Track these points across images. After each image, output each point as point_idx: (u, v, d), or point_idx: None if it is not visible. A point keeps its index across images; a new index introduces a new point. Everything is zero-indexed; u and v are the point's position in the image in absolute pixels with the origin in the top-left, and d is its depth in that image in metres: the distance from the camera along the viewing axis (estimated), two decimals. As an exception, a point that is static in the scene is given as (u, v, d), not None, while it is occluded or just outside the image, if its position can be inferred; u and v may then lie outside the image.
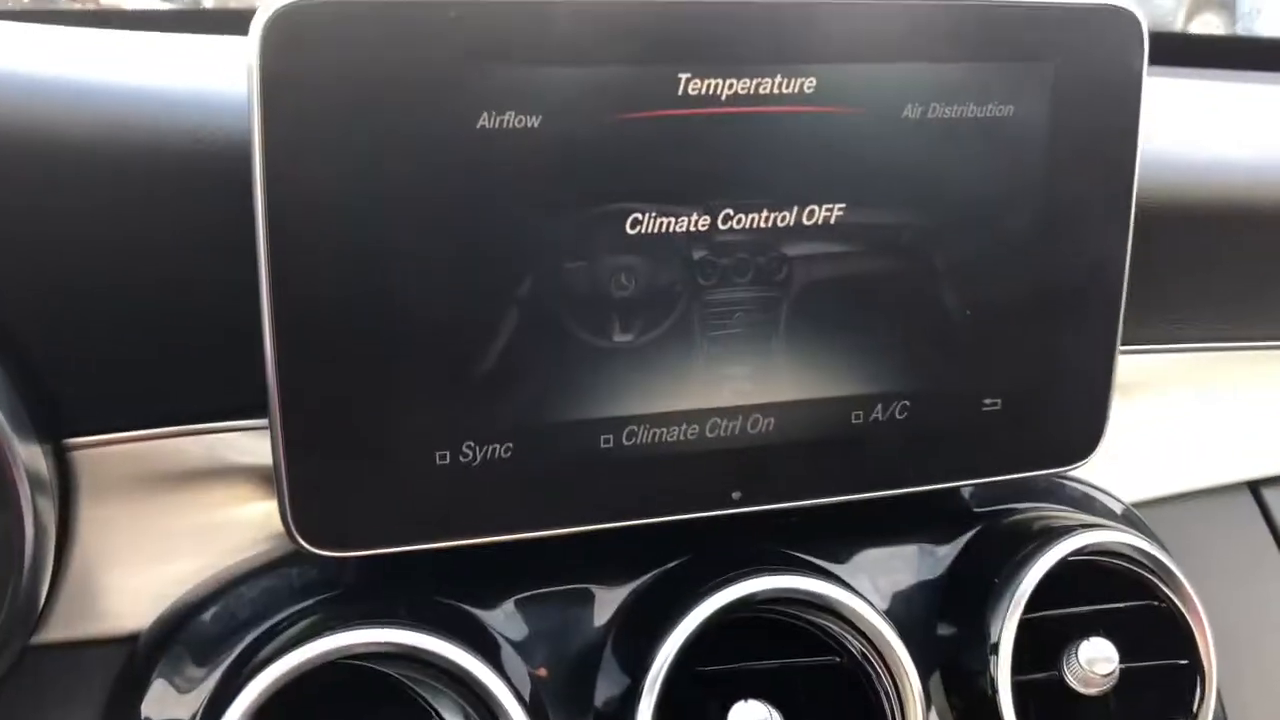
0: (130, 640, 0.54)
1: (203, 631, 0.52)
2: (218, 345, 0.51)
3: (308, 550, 0.48)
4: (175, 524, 0.55)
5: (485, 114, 0.46)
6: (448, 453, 0.49)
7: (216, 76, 0.52)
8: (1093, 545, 0.57)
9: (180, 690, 0.51)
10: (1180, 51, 1.05)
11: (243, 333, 0.46)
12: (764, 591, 0.52)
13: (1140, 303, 0.68)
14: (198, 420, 0.53)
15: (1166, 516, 0.71)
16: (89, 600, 0.54)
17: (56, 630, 0.53)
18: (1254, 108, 0.80)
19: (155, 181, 0.49)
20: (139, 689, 0.52)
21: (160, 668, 0.52)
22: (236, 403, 0.53)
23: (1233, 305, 0.70)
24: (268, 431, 0.47)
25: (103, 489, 0.53)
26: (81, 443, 0.52)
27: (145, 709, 0.51)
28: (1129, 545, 0.58)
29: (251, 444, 0.53)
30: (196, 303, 0.51)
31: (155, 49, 0.55)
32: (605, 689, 0.53)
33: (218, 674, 0.51)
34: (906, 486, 0.56)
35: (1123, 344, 0.68)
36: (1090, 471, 0.66)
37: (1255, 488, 0.74)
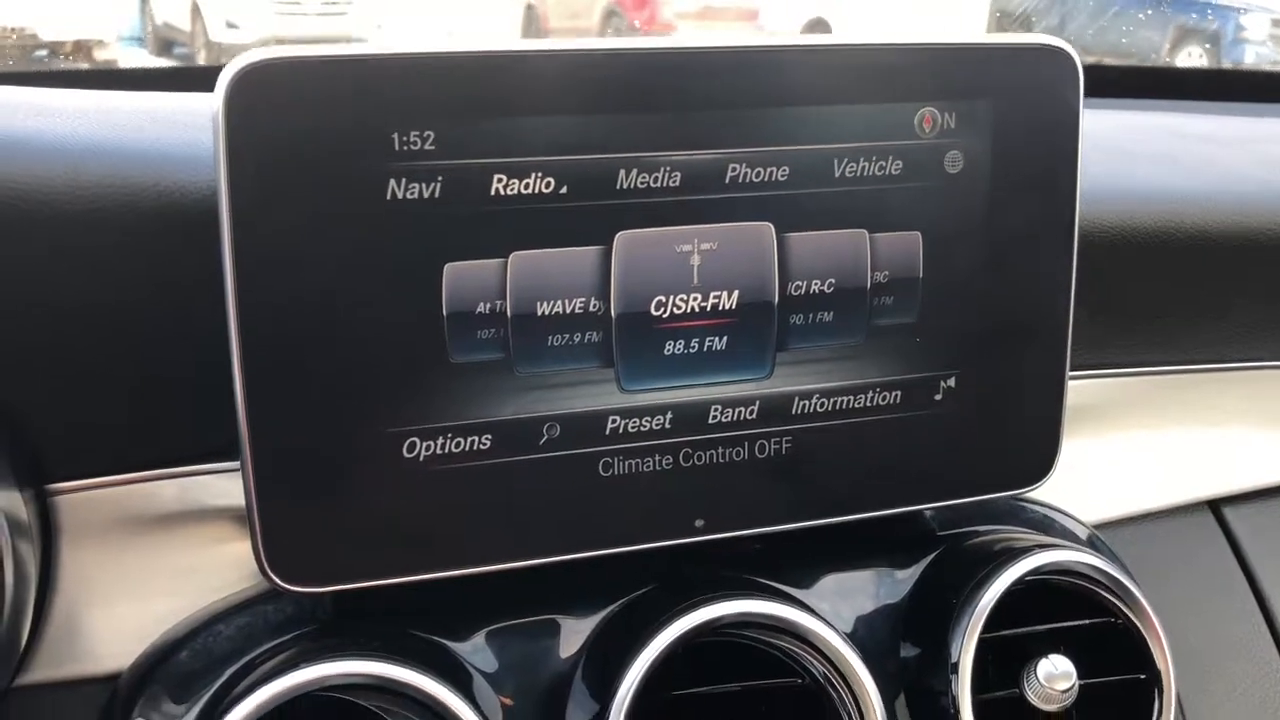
0: (112, 680, 0.55)
1: (181, 669, 0.54)
2: (192, 389, 0.53)
3: (281, 587, 0.50)
4: (155, 565, 0.56)
5: (444, 162, 0.48)
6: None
7: (186, 132, 0.54)
8: (1050, 564, 0.59)
9: (168, 715, 0.53)
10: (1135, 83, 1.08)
11: (217, 376, 0.48)
12: (726, 616, 0.53)
13: (1099, 329, 0.70)
14: (175, 464, 0.55)
15: (1130, 536, 0.72)
16: (71, 641, 0.55)
17: (40, 671, 0.54)
18: (1203, 137, 0.82)
19: (127, 233, 0.51)
20: (120, 727, 0.53)
21: (140, 706, 0.53)
22: (212, 445, 0.54)
23: (1189, 331, 0.72)
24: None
25: (84, 532, 0.55)
26: (62, 488, 0.54)
27: (127, 747, 0.53)
28: (1085, 564, 0.59)
29: (227, 485, 0.55)
30: (170, 348, 0.53)
31: (127, 107, 0.58)
32: (575, 716, 0.54)
33: (196, 710, 0.52)
34: (865, 511, 0.58)
35: (1084, 369, 0.70)
36: (1055, 493, 0.68)
37: (1215, 506, 0.75)
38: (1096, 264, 0.66)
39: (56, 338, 0.51)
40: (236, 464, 0.49)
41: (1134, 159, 0.75)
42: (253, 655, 0.53)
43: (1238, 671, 0.70)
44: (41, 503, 0.53)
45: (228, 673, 0.52)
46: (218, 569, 0.57)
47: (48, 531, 0.54)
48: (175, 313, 0.52)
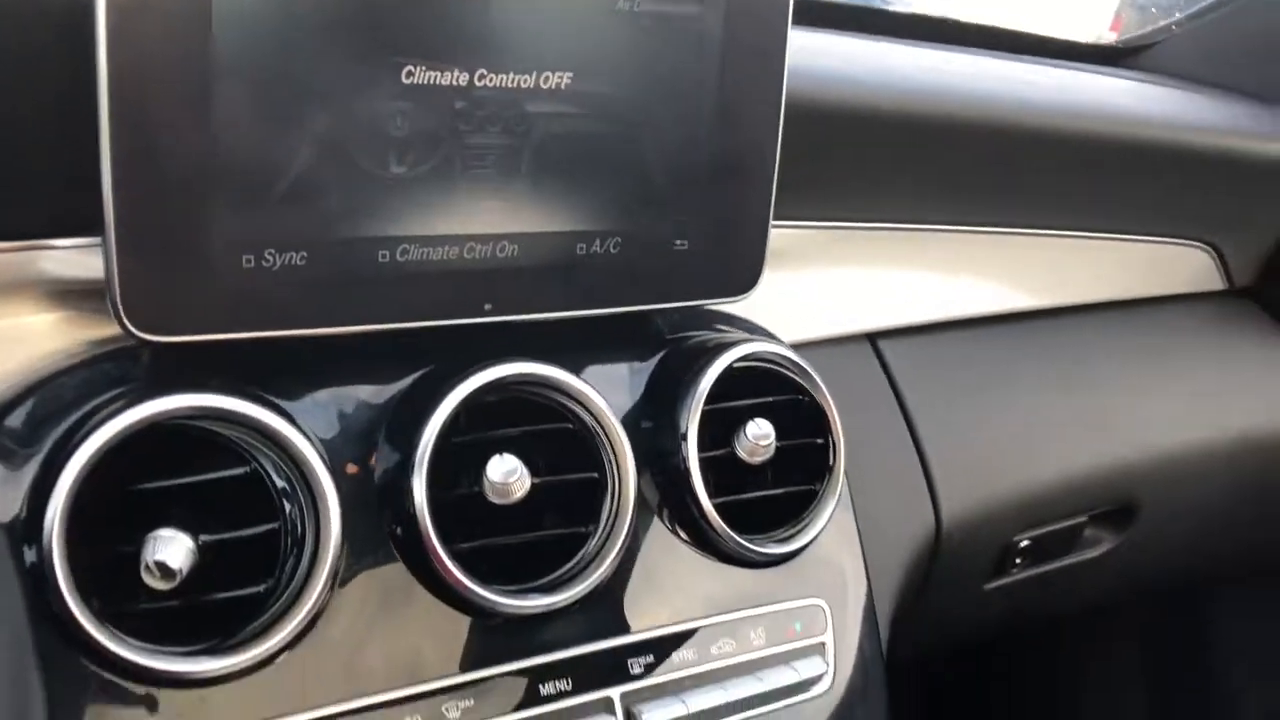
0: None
1: (32, 413, 0.59)
2: (41, 163, 0.58)
3: (133, 333, 0.57)
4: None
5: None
6: (253, 257, 0.60)
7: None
8: (755, 353, 0.75)
9: (10, 467, 0.58)
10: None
11: (66, 150, 0.54)
12: (512, 375, 0.66)
13: (795, 185, 0.86)
14: (16, 237, 0.60)
15: (805, 358, 0.90)
16: None
17: None
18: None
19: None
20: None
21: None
22: (57, 216, 0.60)
23: (865, 194, 0.90)
24: (71, 250, 0.57)
25: None
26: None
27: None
28: (779, 354, 0.76)
29: (67, 256, 0.61)
30: (26, 123, 0.58)
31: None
32: (387, 459, 0.65)
33: (41, 454, 0.58)
34: (619, 306, 0.71)
35: (778, 219, 0.86)
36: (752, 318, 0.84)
37: (873, 338, 0.95)
38: (797, 129, 0.82)
39: None
40: (81, 239, 0.56)
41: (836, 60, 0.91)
42: (101, 400, 0.59)
43: (883, 470, 0.90)
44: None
45: (78, 414, 0.59)
46: (49, 337, 0.62)
47: None
48: (40, 86, 0.56)
